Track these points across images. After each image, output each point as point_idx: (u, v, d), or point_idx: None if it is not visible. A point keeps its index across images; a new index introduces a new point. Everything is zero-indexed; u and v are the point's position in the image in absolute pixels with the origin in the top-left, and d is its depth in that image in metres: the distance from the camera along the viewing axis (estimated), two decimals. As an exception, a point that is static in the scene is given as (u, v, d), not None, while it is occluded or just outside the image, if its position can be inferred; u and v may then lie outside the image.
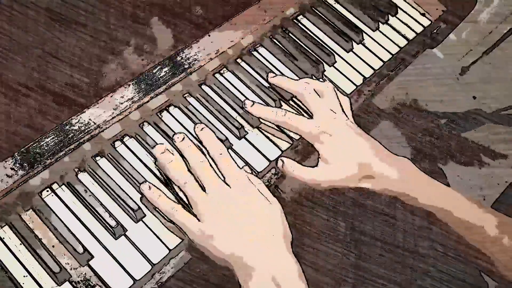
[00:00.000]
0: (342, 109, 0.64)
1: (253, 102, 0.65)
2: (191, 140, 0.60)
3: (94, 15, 0.65)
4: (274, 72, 0.69)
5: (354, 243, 0.72)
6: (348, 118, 0.64)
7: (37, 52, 0.61)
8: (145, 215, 0.58)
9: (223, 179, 0.57)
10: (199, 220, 0.55)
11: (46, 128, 0.58)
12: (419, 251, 0.70)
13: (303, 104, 0.66)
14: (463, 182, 0.93)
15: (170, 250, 0.57)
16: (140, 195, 0.59)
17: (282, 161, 0.63)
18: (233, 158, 0.59)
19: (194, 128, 0.61)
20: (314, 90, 0.65)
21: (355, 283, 0.71)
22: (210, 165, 0.58)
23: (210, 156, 0.59)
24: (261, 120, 0.65)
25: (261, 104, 0.66)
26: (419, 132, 0.75)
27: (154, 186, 0.58)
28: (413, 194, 0.61)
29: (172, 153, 0.58)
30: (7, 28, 0.62)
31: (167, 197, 0.57)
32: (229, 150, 0.63)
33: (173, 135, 0.60)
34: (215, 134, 0.61)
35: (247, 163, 0.64)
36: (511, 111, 0.91)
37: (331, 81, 0.71)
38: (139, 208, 0.58)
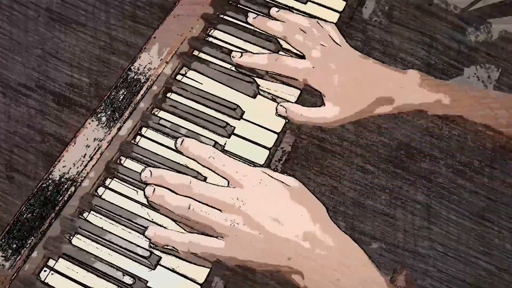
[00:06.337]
0: (332, 39, 0.60)
1: (241, 52, 0.60)
2: (160, 168, 0.53)
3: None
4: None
5: (354, 243, 0.72)
6: (341, 45, 0.60)
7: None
8: (160, 258, 0.51)
9: (227, 184, 0.51)
10: (222, 238, 0.48)
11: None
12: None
13: (293, 47, 0.61)
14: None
15: (201, 284, 0.51)
16: (148, 241, 0.52)
17: (284, 107, 0.57)
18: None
19: (175, 145, 0.55)
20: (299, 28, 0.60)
21: (355, 283, 0.70)
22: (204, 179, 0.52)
23: (203, 166, 0.53)
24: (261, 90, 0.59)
25: (250, 52, 0.60)
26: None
27: (160, 226, 0.51)
28: (432, 100, 0.57)
29: (164, 187, 0.51)
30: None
31: (176, 231, 0.50)
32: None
33: (140, 175, 0.53)
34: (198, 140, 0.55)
35: (245, 159, 0.58)
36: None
37: None
38: (151, 253, 0.51)
